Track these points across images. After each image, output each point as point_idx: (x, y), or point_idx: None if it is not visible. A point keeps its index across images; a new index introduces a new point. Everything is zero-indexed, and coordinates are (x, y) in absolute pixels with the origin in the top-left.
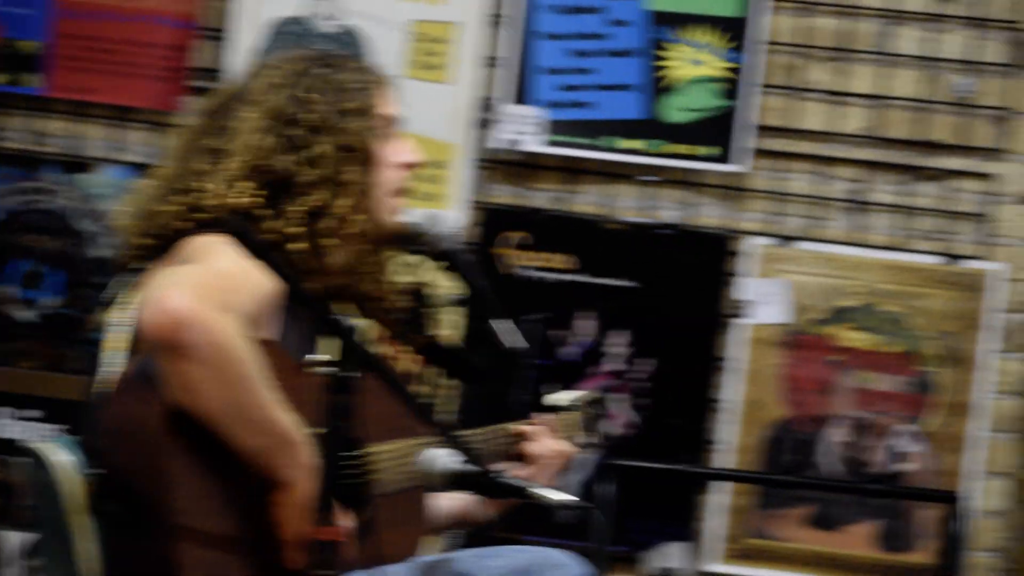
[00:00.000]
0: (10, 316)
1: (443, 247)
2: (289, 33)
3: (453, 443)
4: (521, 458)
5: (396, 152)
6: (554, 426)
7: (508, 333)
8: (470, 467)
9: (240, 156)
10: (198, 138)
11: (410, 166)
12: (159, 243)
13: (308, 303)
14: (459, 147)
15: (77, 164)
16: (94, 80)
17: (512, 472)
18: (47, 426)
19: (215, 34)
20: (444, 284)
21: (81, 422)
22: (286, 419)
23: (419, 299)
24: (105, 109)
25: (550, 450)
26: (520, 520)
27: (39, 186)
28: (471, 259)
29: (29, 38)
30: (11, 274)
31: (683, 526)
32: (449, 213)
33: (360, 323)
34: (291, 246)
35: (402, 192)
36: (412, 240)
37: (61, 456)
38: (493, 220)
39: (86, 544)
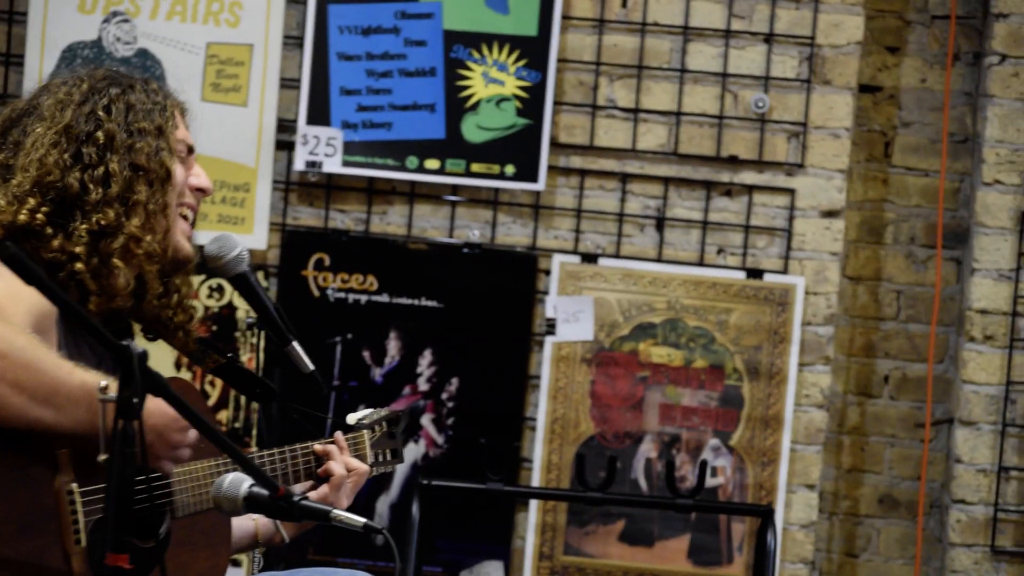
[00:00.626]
0: None
1: (234, 270)
2: (84, 58)
3: (249, 468)
4: (318, 477)
5: (188, 176)
6: (348, 445)
7: (304, 356)
8: (267, 491)
9: (28, 171)
10: None
11: (201, 191)
12: None
13: (91, 329)
14: (259, 169)
15: None
16: None
17: (309, 492)
18: None
19: (10, 59)
20: (248, 307)
21: None
22: (87, 376)
23: (226, 323)
24: None
25: (347, 468)
26: (332, 543)
27: None
28: (258, 283)
29: None
30: None
31: (497, 545)
32: (248, 236)
33: (148, 346)
34: (75, 265)
35: (192, 215)
36: (204, 263)
37: None
38: (296, 242)
39: None
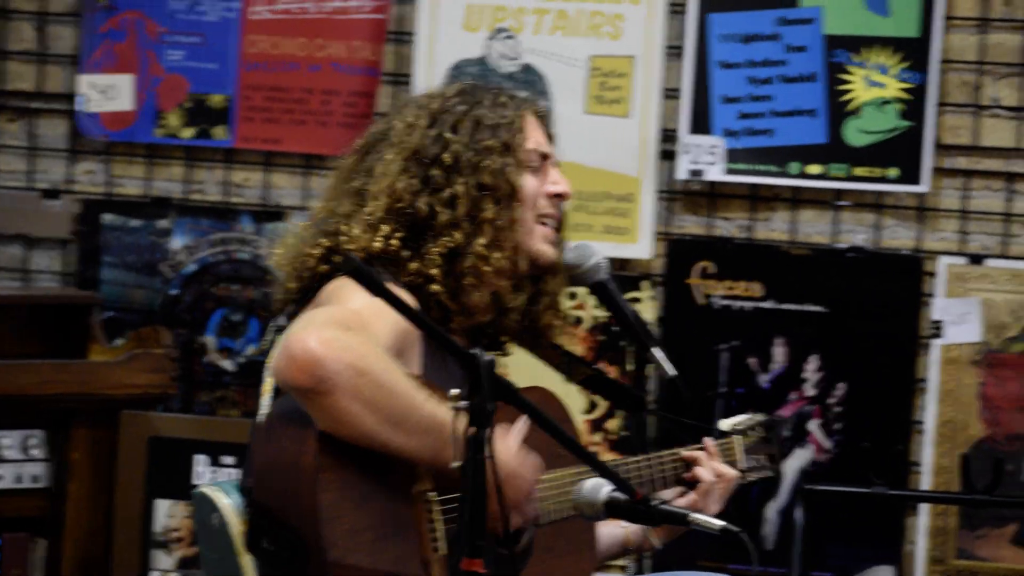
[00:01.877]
0: (211, 365)
1: (593, 279)
2: (471, 75)
3: (606, 473)
4: (688, 483)
5: (543, 184)
6: (720, 450)
7: (666, 362)
8: (625, 495)
9: (380, 199)
10: (346, 179)
11: (559, 196)
12: (306, 286)
13: (437, 337)
14: (643, 179)
15: (269, 213)
16: (281, 130)
17: (677, 498)
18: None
19: (399, 79)
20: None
21: (243, 466)
22: (441, 410)
23: (611, 331)
24: (293, 158)
25: (715, 474)
26: (727, 551)
27: (233, 236)
28: (618, 291)
29: (216, 91)
30: (210, 324)
31: (887, 550)
32: (634, 246)
33: (502, 357)
34: (432, 287)
35: (554, 222)
36: (564, 272)
37: (227, 499)
38: (680, 251)
39: None
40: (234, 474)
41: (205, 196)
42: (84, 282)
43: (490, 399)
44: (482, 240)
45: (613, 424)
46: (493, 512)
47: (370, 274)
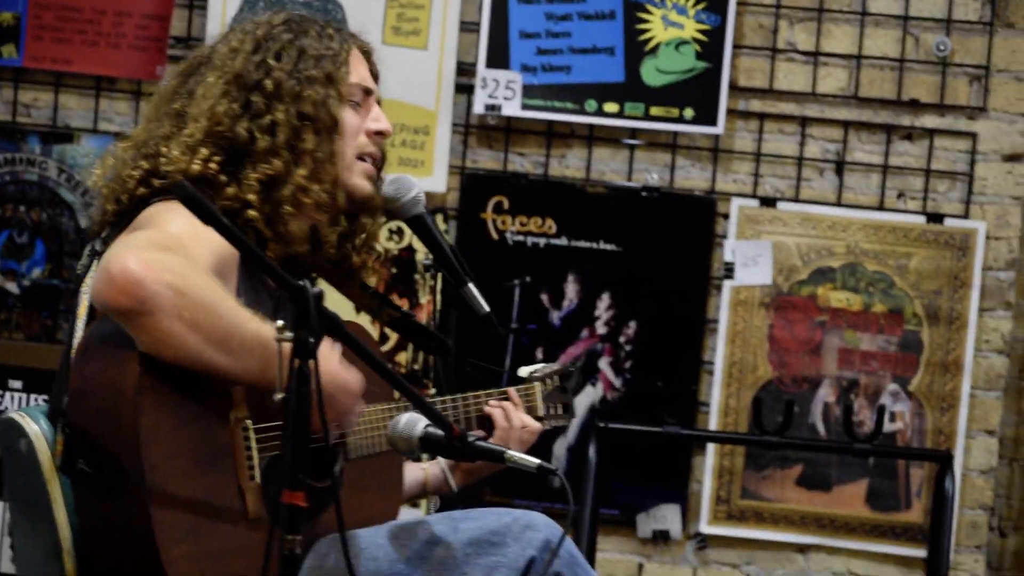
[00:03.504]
0: None
1: (411, 212)
2: (267, 1)
3: (425, 408)
4: (487, 428)
5: (365, 120)
6: (520, 396)
7: (480, 298)
8: (444, 431)
9: (200, 122)
10: (166, 102)
11: (380, 134)
12: (124, 209)
13: (268, 270)
14: (439, 112)
15: (58, 134)
16: (72, 51)
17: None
18: (31, 396)
19: (193, 3)
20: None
21: (53, 390)
22: (264, 327)
23: (406, 265)
24: (84, 79)
25: (517, 423)
26: (509, 485)
27: (21, 156)
28: (435, 224)
29: (5, 9)
30: None
31: (674, 488)
32: (428, 178)
33: (324, 289)
34: (248, 213)
35: (373, 159)
36: (381, 206)
37: (35, 425)
38: (475, 185)
39: (60, 512)
40: (21, 398)
41: None
42: None
43: (316, 331)
44: (302, 171)
45: (402, 357)
46: (314, 424)
47: (202, 201)
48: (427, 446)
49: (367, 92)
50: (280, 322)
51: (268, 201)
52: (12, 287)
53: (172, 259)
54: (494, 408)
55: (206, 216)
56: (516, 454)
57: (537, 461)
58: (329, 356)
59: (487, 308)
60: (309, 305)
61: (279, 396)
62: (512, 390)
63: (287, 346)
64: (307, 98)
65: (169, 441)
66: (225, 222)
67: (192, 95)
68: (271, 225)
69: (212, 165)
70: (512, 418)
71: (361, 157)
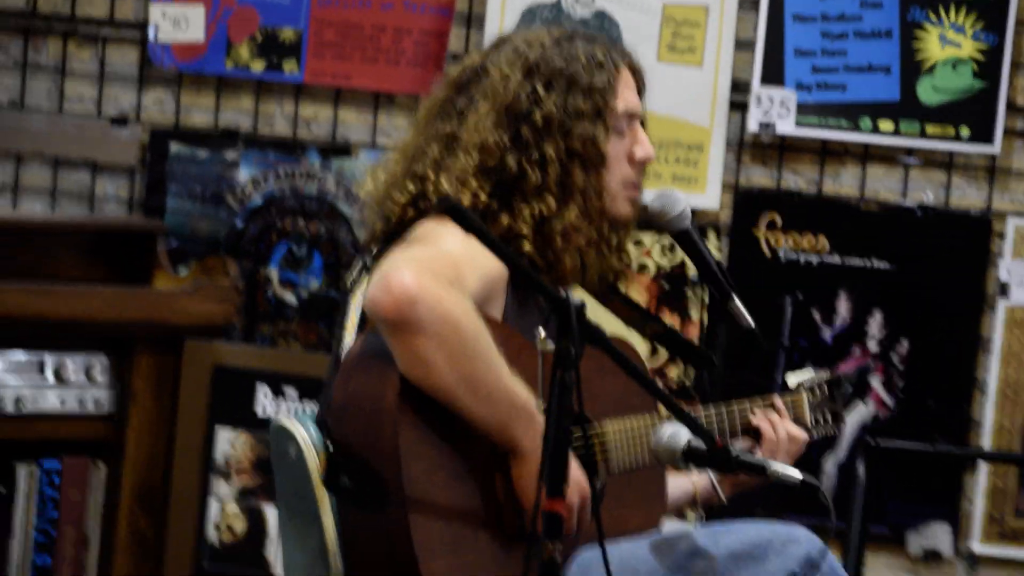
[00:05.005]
0: (273, 298)
1: (677, 227)
2: (543, 19)
3: (687, 420)
4: (754, 438)
5: (630, 148)
6: (787, 408)
7: (746, 313)
8: (707, 443)
9: (471, 155)
10: (436, 117)
11: (644, 162)
12: (392, 228)
13: (532, 281)
14: (713, 130)
15: (337, 148)
16: (351, 67)
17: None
18: (305, 404)
19: (471, 19)
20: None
21: (320, 400)
22: (518, 388)
23: (677, 281)
24: (362, 95)
25: (784, 434)
26: (781, 502)
27: (300, 170)
28: (702, 239)
29: (287, 25)
30: (274, 257)
31: (945, 507)
32: (701, 196)
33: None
34: (522, 244)
35: (637, 187)
36: (647, 222)
37: (304, 431)
38: (748, 203)
39: (328, 517)
40: (295, 405)
41: (273, 130)
42: (149, 211)
43: (578, 343)
44: (573, 210)
45: (673, 372)
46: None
47: (468, 214)
48: (690, 458)
49: (632, 116)
50: (542, 331)
51: (540, 234)
52: (290, 298)
53: (449, 291)
54: (760, 419)
55: (473, 228)
56: (780, 467)
57: (801, 475)
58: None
59: (752, 323)
60: (571, 315)
61: (541, 406)
62: (778, 399)
63: (549, 358)
64: (576, 134)
65: (429, 457)
66: (489, 233)
67: (463, 117)
68: (543, 258)
69: (482, 197)
70: (779, 428)
71: (626, 186)
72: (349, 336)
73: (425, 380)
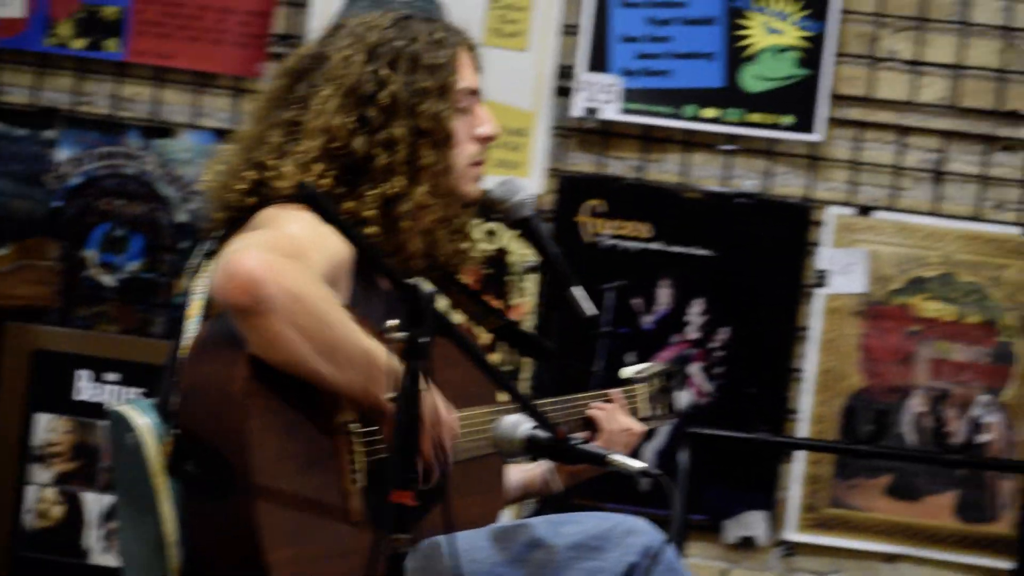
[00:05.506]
0: (91, 280)
1: (518, 215)
2: (368, 1)
3: (530, 410)
4: (591, 431)
5: (474, 126)
6: (624, 401)
7: (585, 301)
8: (548, 434)
9: (315, 138)
10: (275, 106)
11: (488, 139)
12: (233, 216)
13: (383, 269)
14: (537, 115)
15: (158, 129)
16: (174, 46)
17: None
18: (126, 389)
19: (295, 0)
20: (521, 251)
21: (160, 385)
22: (376, 348)
23: (500, 266)
24: (185, 75)
25: (620, 426)
26: (601, 488)
27: (120, 151)
28: (545, 227)
29: (109, 3)
30: (93, 238)
31: (762, 495)
32: (525, 180)
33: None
34: (367, 229)
35: (480, 164)
36: (488, 208)
37: (143, 419)
38: (571, 188)
39: (166, 506)
40: (118, 390)
41: (93, 109)
42: None
43: (428, 332)
44: (422, 188)
45: (496, 359)
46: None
47: (324, 201)
48: (531, 448)
49: (473, 93)
50: (392, 321)
51: (387, 216)
52: (109, 280)
53: (293, 265)
54: (596, 411)
55: (328, 216)
56: (619, 457)
57: (640, 464)
58: (430, 391)
59: (592, 311)
60: (422, 304)
61: (390, 395)
62: (615, 392)
63: (398, 346)
64: (423, 113)
65: (276, 444)
66: (345, 223)
67: (305, 104)
68: (389, 241)
69: (326, 180)
70: (613, 420)
71: (472, 163)
72: (192, 322)
73: (283, 358)
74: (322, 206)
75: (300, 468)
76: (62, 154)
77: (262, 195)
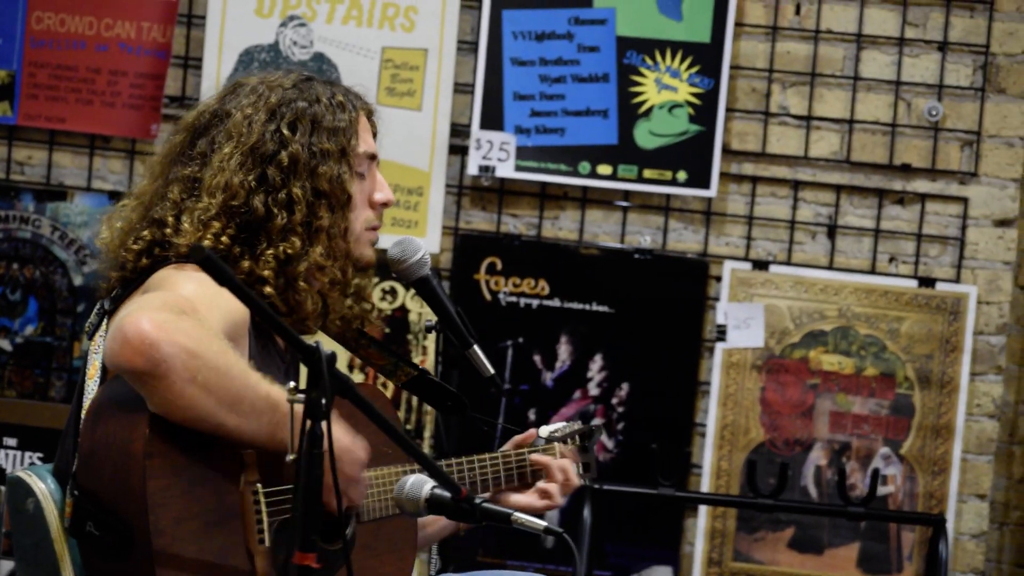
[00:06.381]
0: None
1: (416, 274)
2: (261, 61)
3: (432, 470)
4: (527, 484)
5: (371, 191)
6: (572, 457)
7: (484, 359)
8: (451, 493)
9: (216, 196)
10: (175, 162)
11: (384, 205)
12: (127, 277)
13: (280, 330)
14: (432, 173)
15: (52, 192)
16: (67, 109)
17: (517, 497)
18: (25, 454)
19: (188, 62)
20: (420, 310)
21: (59, 449)
22: (277, 393)
23: (399, 325)
24: (78, 138)
25: (565, 480)
26: (505, 547)
27: (14, 214)
28: (443, 286)
29: (0, 67)
30: None
31: (667, 550)
32: (421, 239)
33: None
34: (264, 289)
35: (375, 228)
36: (387, 266)
37: (42, 484)
38: (468, 246)
39: (68, 571)
40: (15, 455)
41: None
42: None
43: (328, 393)
44: (319, 249)
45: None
46: (326, 485)
47: (219, 263)
48: (433, 507)
49: (372, 158)
50: (292, 384)
51: (283, 276)
52: (5, 344)
53: (186, 322)
54: (542, 464)
55: (223, 278)
56: (524, 516)
57: (544, 524)
58: (336, 424)
59: (492, 370)
60: (321, 366)
61: (291, 457)
62: (566, 447)
63: (299, 407)
64: (322, 174)
65: (178, 505)
66: (241, 284)
67: (205, 160)
68: (285, 301)
69: (224, 239)
70: (563, 475)
71: (368, 228)
72: (92, 383)
73: (186, 415)
74: (216, 268)
75: (204, 528)
76: None
77: (156, 256)
